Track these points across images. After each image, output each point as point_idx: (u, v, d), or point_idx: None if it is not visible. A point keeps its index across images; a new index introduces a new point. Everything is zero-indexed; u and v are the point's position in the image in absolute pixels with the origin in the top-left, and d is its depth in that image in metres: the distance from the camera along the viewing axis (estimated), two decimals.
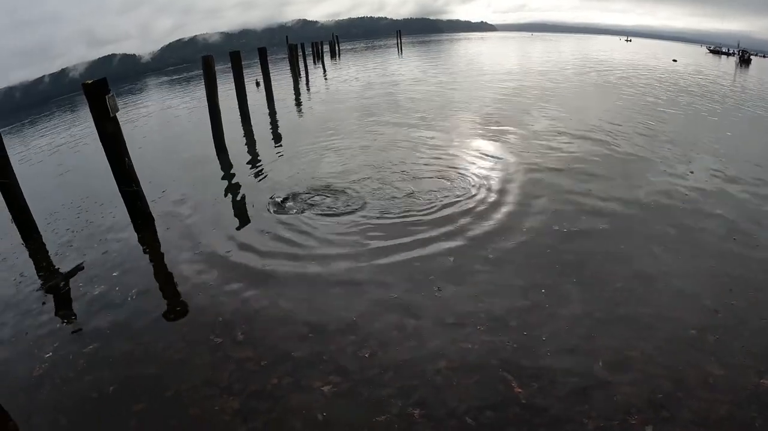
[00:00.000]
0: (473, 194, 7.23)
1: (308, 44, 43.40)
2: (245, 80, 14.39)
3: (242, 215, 7.39)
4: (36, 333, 4.75)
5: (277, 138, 13.05)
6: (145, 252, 6.39)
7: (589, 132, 10.73)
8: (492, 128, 11.63)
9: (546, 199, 6.95)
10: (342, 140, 11.42)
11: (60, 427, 3.53)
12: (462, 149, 9.92)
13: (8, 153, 7.13)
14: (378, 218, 6.62)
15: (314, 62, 41.32)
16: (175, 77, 52.77)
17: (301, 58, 33.82)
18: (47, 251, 6.78)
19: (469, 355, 3.88)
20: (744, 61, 32.97)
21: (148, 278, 5.71)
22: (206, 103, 11.38)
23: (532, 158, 8.91)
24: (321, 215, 6.90)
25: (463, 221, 6.34)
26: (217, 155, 11.05)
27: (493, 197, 7.08)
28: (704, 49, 50.73)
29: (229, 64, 14.05)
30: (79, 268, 6.05)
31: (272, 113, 16.71)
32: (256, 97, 18.85)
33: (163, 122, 18.84)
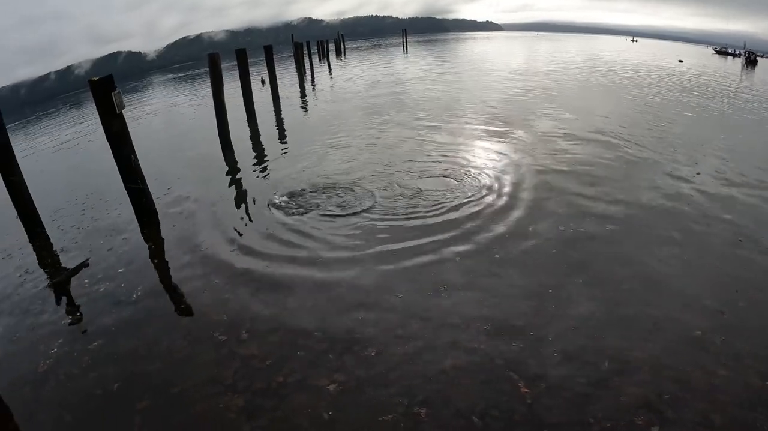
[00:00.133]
0: (480, 194, 7.21)
1: (314, 43, 43.41)
2: (251, 78, 14.41)
3: (247, 213, 7.38)
4: (41, 329, 4.76)
5: (282, 136, 13.05)
6: (150, 250, 6.40)
7: (595, 133, 10.68)
8: (498, 128, 11.58)
9: (552, 200, 6.91)
10: (347, 138, 11.42)
11: (64, 424, 3.54)
12: (468, 148, 9.90)
13: (14, 150, 7.18)
14: (384, 218, 6.60)
15: (319, 61, 41.36)
16: (180, 75, 52.88)
17: (307, 57, 33.88)
18: (53, 248, 6.81)
19: (475, 355, 3.86)
20: (750, 62, 32.78)
21: (153, 276, 5.72)
22: (212, 101, 11.41)
23: (539, 160, 8.87)
24: (326, 214, 6.88)
25: (469, 221, 6.32)
26: (223, 152, 11.07)
27: (499, 198, 7.06)
28: (710, 50, 50.49)
29: (235, 62, 14.09)
30: (84, 265, 6.06)
31: (278, 111, 16.74)
32: (261, 95, 18.85)
33: (169, 120, 18.89)
